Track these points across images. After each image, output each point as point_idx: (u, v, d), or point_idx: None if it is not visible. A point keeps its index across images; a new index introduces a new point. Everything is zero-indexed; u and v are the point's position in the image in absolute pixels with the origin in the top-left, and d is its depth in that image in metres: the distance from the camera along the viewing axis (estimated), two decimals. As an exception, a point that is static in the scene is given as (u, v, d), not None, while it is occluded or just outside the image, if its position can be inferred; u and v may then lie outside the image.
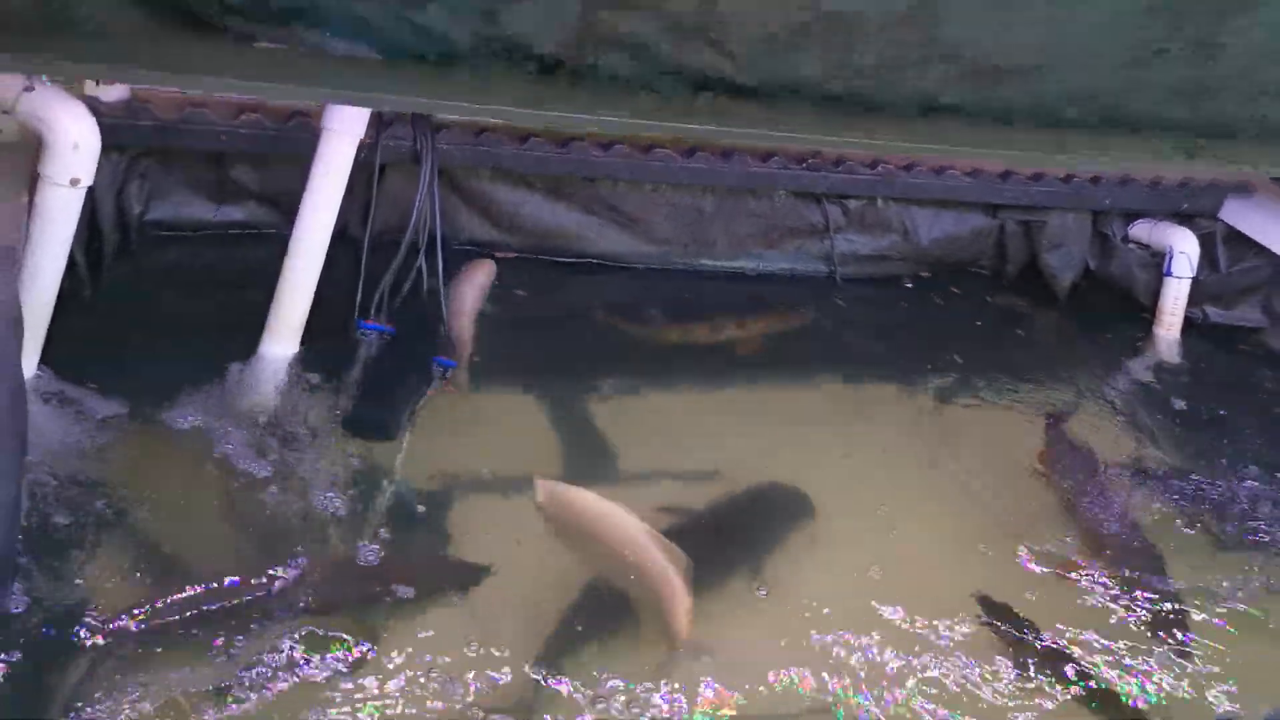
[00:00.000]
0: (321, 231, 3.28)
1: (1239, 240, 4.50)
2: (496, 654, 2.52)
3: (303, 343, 3.37)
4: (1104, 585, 3.06)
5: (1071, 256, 4.60)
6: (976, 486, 3.43)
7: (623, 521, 2.86)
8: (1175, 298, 4.45)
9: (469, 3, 2.17)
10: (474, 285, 3.88)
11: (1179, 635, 2.90)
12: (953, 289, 4.64)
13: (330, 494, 2.93)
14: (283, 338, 3.32)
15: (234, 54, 2.42)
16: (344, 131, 3.19)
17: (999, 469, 3.53)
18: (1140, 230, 4.57)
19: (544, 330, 3.95)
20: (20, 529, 2.47)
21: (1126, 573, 3.08)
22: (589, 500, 2.95)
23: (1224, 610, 3.05)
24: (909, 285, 4.61)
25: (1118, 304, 4.60)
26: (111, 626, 2.39)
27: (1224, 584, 3.14)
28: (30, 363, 2.83)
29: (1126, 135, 3.04)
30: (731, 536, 3.06)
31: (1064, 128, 3.00)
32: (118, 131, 3.23)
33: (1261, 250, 4.43)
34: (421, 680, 2.43)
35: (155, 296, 3.58)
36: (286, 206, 3.72)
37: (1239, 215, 4.48)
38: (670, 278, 4.35)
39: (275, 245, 3.58)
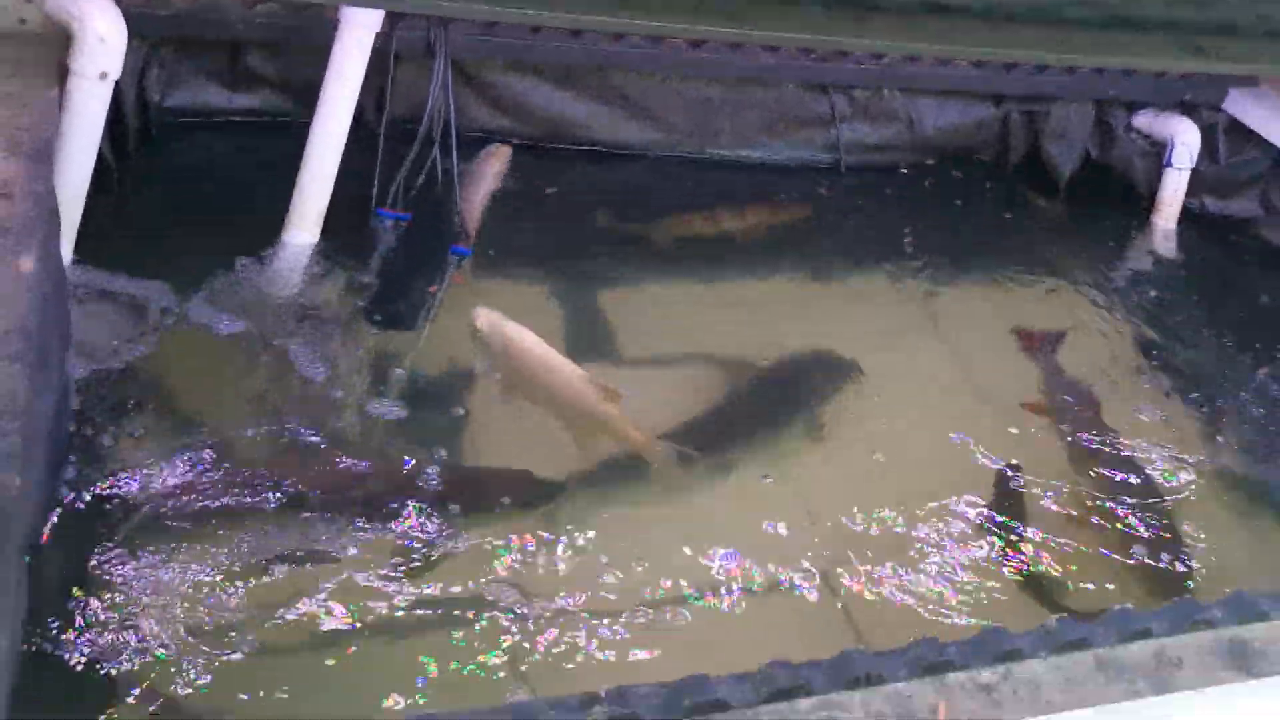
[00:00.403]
0: (340, 122, 3.35)
1: (1240, 132, 4.55)
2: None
3: (323, 231, 3.47)
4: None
5: (1073, 146, 4.66)
6: (972, 367, 3.58)
7: (559, 363, 3.07)
8: (1174, 189, 4.53)
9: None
10: (487, 173, 3.96)
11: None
12: (955, 175, 4.72)
13: (350, 380, 3.08)
14: (304, 226, 3.42)
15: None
16: (361, 23, 3.23)
17: (995, 351, 3.69)
18: (1143, 120, 4.62)
19: (551, 219, 4.03)
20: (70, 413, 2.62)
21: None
22: (529, 339, 3.11)
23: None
24: (912, 174, 4.68)
25: (1117, 194, 4.67)
26: (148, 507, 2.56)
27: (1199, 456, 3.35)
28: (65, 252, 2.93)
29: (1132, 34, 3.10)
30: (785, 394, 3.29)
31: (1069, 26, 3.06)
32: (138, 21, 3.26)
33: (1262, 142, 4.49)
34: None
35: (178, 185, 3.67)
36: (300, 94, 3.79)
37: (1242, 107, 4.52)
38: (677, 166, 4.43)
39: (291, 133, 3.68)
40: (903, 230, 4.30)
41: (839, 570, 2.79)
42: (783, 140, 4.51)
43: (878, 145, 4.60)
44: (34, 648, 2.13)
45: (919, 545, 2.89)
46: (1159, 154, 4.54)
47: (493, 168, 3.99)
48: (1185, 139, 4.46)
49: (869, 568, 2.80)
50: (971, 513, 3.01)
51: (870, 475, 3.09)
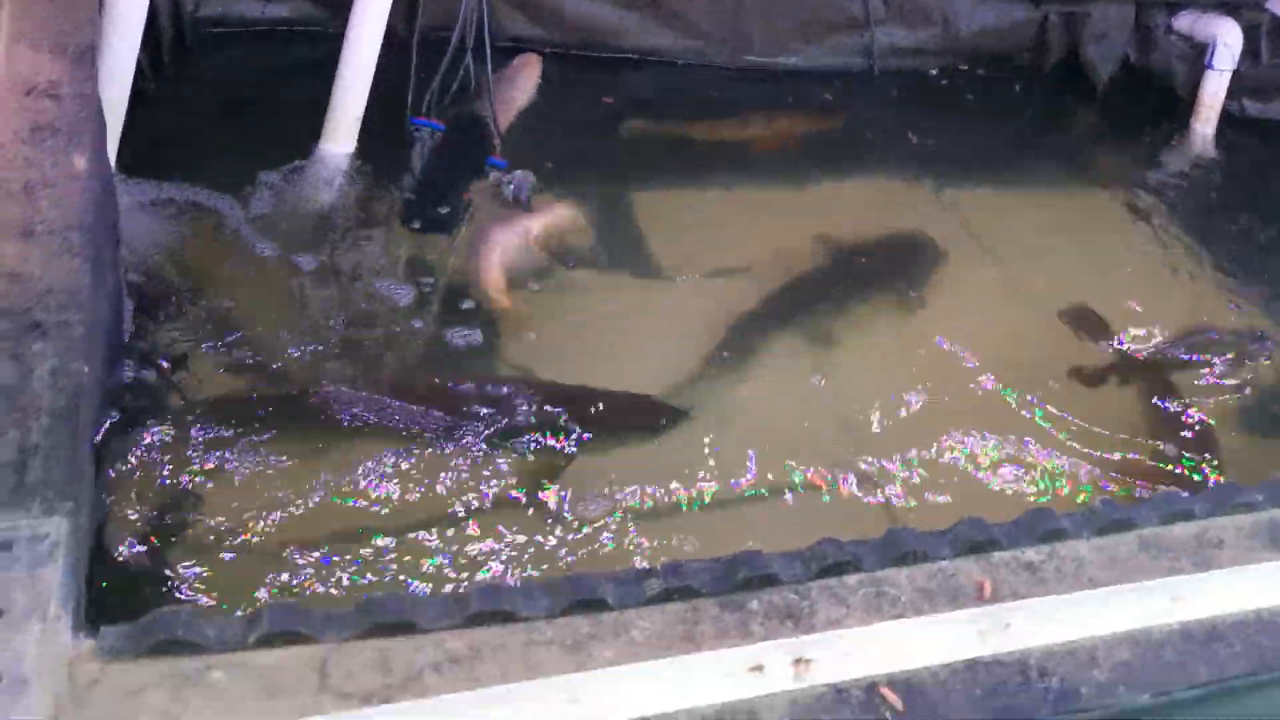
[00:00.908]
0: (373, 32, 3.34)
1: (1284, 31, 4.47)
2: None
3: (359, 140, 3.48)
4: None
5: (1113, 48, 4.59)
6: (1013, 274, 3.59)
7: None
8: (1214, 91, 4.46)
9: None
10: (519, 82, 3.94)
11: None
12: (990, 82, 4.66)
13: (389, 286, 3.11)
14: (340, 136, 3.44)
15: None
16: (394, -73, 3.21)
17: (1035, 259, 3.68)
18: (1184, 22, 4.53)
19: (584, 125, 4.02)
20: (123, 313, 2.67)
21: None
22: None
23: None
24: (947, 78, 4.63)
25: (1155, 98, 4.61)
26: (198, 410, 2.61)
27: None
28: (110, 159, 2.96)
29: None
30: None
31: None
32: (171, -73, 3.26)
33: (1306, 42, 4.42)
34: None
35: (213, 94, 3.68)
36: (331, 4, 3.78)
37: (1288, 6, 4.43)
38: (708, 73, 4.40)
39: (322, 42, 3.68)
40: (938, 137, 4.26)
41: (882, 467, 2.83)
42: (816, 45, 4.47)
43: (912, 49, 4.55)
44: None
45: (960, 445, 2.94)
46: (1199, 56, 4.47)
47: (525, 77, 3.97)
48: (1228, 39, 4.38)
49: (913, 473, 2.84)
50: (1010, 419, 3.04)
51: (912, 377, 3.11)
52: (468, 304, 3.10)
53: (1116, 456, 2.94)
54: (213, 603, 2.14)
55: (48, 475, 1.73)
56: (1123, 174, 4.25)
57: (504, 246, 3.28)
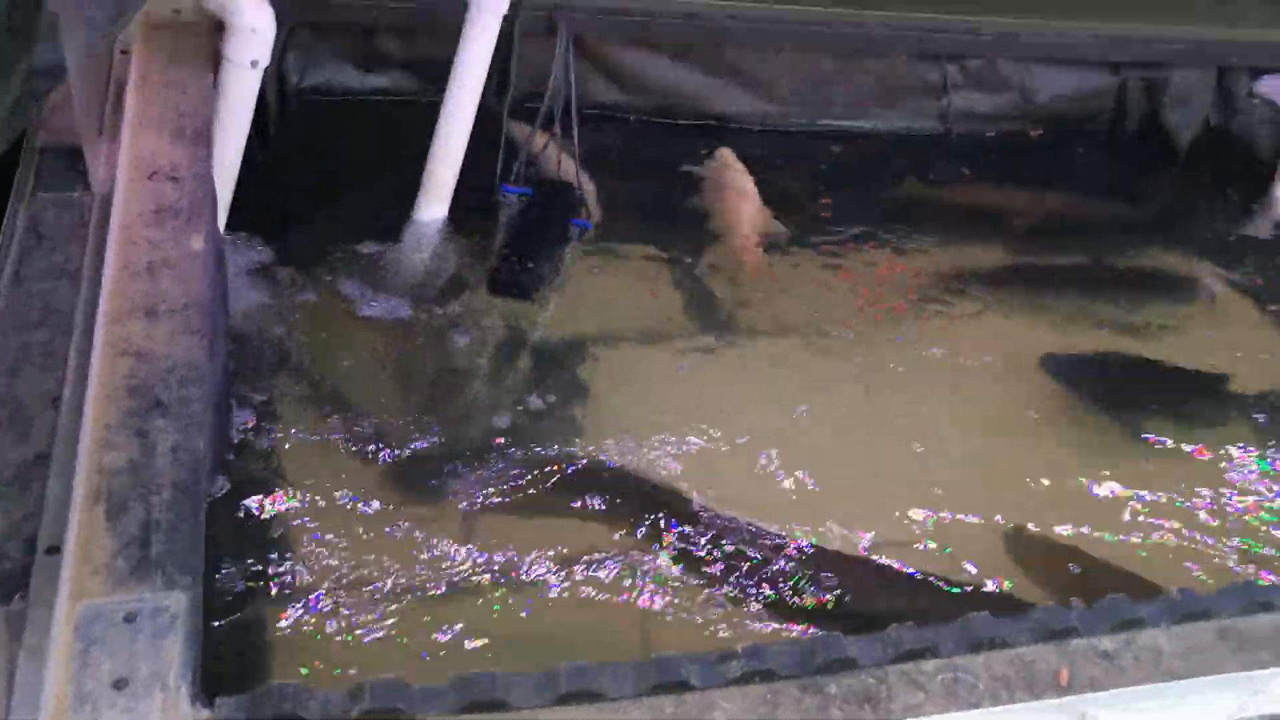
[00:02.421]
0: (469, 102, 3.48)
1: (1369, 96, 4.44)
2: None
3: (452, 206, 3.63)
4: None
5: (1193, 113, 4.59)
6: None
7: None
8: (1298, 156, 4.44)
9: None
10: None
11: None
12: (1072, 146, 4.69)
13: (478, 350, 3.23)
14: (434, 201, 3.58)
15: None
16: (489, 8, 3.35)
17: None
18: (1267, 86, 4.52)
19: (667, 189, 4.13)
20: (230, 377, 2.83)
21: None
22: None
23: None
24: (1026, 142, 4.66)
25: (1238, 162, 4.59)
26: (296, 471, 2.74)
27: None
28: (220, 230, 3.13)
29: (1253, 2, 3.06)
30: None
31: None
32: (279, 6, 3.43)
33: (1391, 108, 4.37)
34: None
35: (315, 161, 3.84)
36: (426, 73, 3.95)
37: (1372, 70, 4.40)
38: (788, 138, 4.48)
39: (418, 111, 3.84)
40: (1019, 200, 4.30)
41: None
42: (895, 109, 4.54)
43: (990, 114, 4.59)
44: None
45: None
46: (1283, 121, 4.46)
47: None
48: (1311, 105, 4.36)
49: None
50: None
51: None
52: (552, 369, 3.21)
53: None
54: (316, 675, 2.24)
55: (170, 549, 1.85)
56: (1205, 240, 4.23)
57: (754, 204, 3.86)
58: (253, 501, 2.57)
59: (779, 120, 4.45)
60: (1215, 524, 2.97)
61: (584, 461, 2.86)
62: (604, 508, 2.74)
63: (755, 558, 2.66)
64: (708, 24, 4.07)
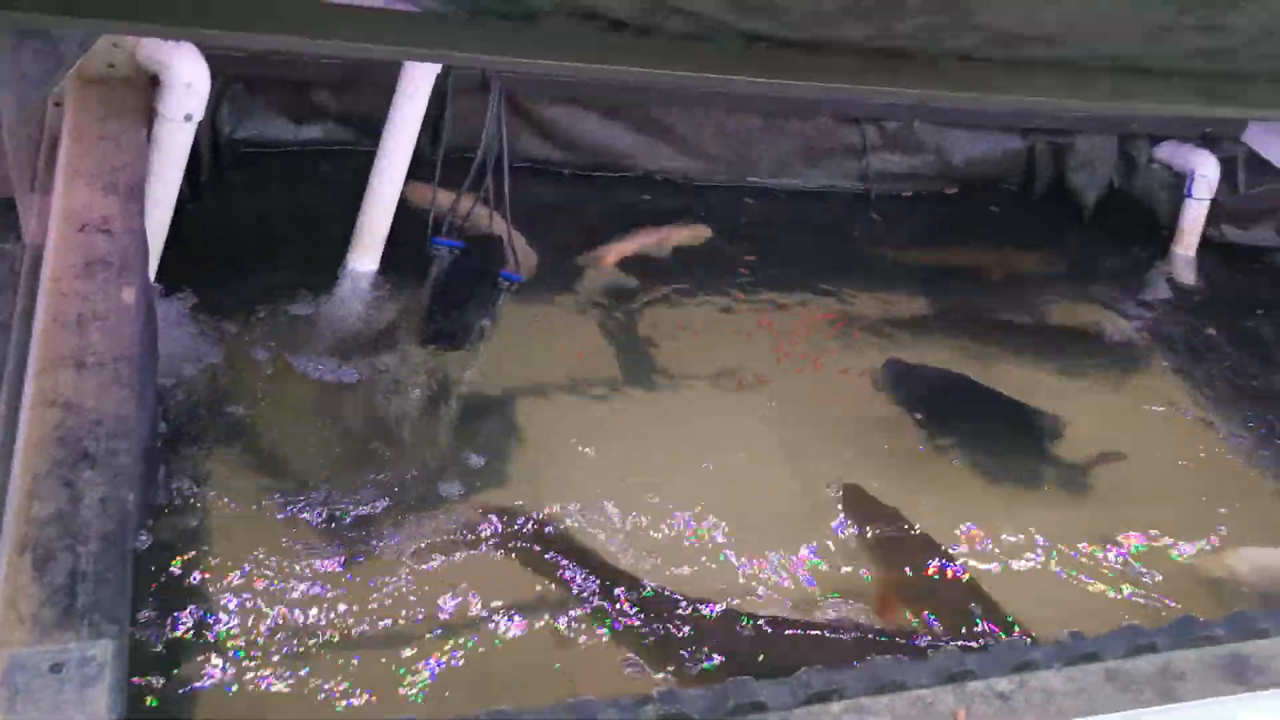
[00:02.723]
0: (403, 154, 3.57)
1: (1259, 164, 4.70)
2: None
3: (384, 258, 3.70)
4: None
5: (1097, 176, 4.84)
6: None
7: None
8: (1194, 218, 4.69)
9: (556, -22, 2.43)
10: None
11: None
12: (980, 202, 4.91)
13: (409, 402, 3.28)
14: (367, 253, 3.65)
15: (314, 12, 2.69)
16: (424, 65, 3.45)
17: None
18: (1164, 152, 4.79)
19: (596, 243, 4.24)
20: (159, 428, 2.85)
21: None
22: None
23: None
24: (940, 201, 4.87)
25: (1140, 222, 4.84)
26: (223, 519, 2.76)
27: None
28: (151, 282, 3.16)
29: (1147, 82, 3.28)
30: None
31: (1090, 72, 3.25)
32: (215, 62, 3.49)
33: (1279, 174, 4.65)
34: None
35: (247, 212, 3.89)
36: (361, 124, 4.03)
37: (1261, 140, 4.68)
38: (715, 193, 4.63)
39: (351, 163, 3.92)
40: (930, 254, 4.49)
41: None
42: (817, 169, 4.71)
43: (907, 174, 4.80)
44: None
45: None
46: (1180, 184, 4.71)
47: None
48: (1205, 171, 4.62)
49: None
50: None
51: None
52: (483, 421, 3.28)
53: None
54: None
55: (96, 599, 1.89)
56: (1107, 294, 4.45)
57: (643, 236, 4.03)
58: (180, 555, 2.59)
59: (705, 177, 4.60)
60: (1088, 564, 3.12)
61: (512, 514, 2.92)
62: (530, 560, 2.80)
63: (676, 609, 2.74)
64: (635, 85, 4.20)
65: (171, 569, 2.53)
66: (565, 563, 2.80)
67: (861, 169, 4.73)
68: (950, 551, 3.05)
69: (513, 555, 2.82)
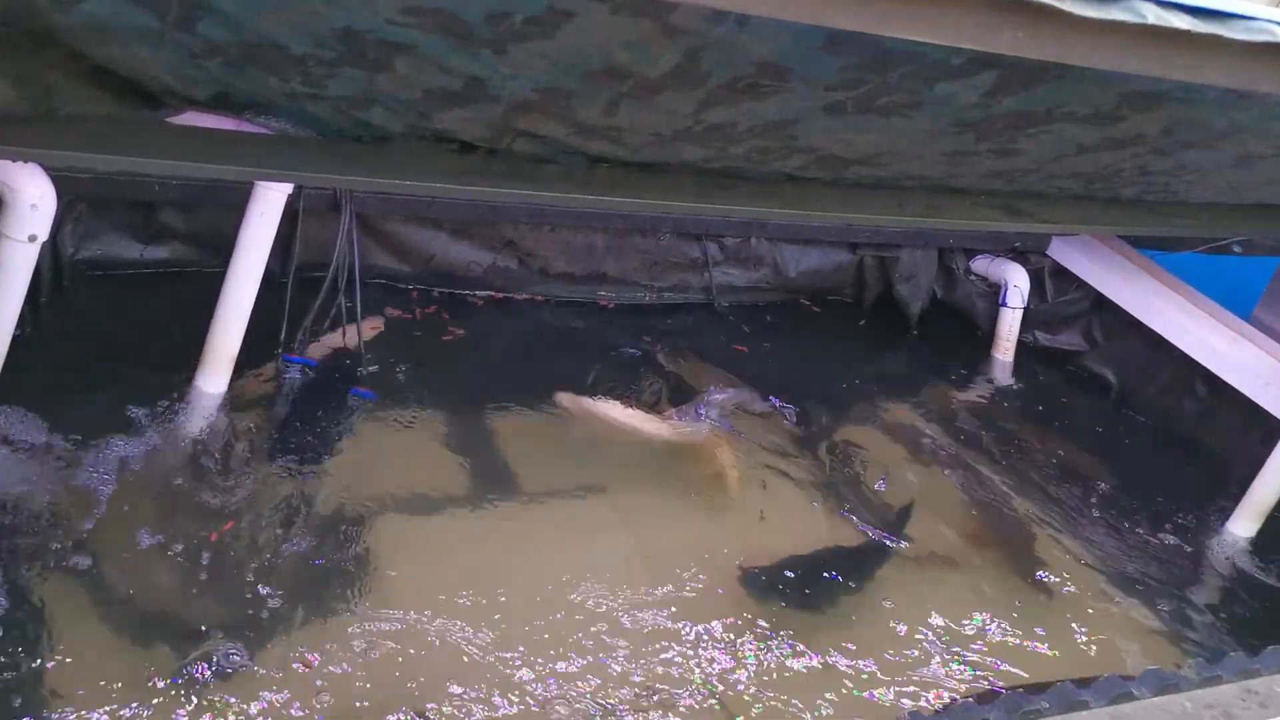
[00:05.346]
0: (254, 273, 3.57)
1: (1064, 275, 5.14)
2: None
3: (233, 377, 3.68)
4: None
5: (920, 287, 5.19)
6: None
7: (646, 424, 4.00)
8: (1009, 325, 5.08)
9: (408, 106, 2.57)
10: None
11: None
12: (816, 312, 5.21)
13: (262, 519, 3.25)
14: (216, 372, 3.62)
15: (179, 136, 2.75)
16: (275, 187, 3.50)
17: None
18: (980, 265, 5.19)
19: (448, 357, 4.31)
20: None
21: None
22: (613, 408, 4.05)
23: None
24: (778, 311, 5.14)
25: (960, 329, 5.21)
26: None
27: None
28: (-14, 403, 3.08)
29: (955, 199, 3.60)
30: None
31: (904, 192, 3.55)
32: (60, 182, 3.47)
33: (1082, 284, 5.07)
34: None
35: (89, 335, 3.81)
36: (209, 245, 4.03)
37: (1064, 253, 5.12)
38: (565, 307, 4.79)
39: (198, 282, 3.91)
40: (769, 362, 4.72)
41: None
42: (662, 282, 4.93)
43: (747, 286, 5.06)
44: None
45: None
46: (995, 294, 5.10)
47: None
48: (1016, 281, 5.02)
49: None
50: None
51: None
52: (334, 539, 3.26)
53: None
54: None
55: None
56: (931, 395, 4.75)
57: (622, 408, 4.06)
58: (15, 691, 2.50)
59: (555, 292, 4.75)
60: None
61: (366, 633, 2.92)
62: (385, 678, 2.79)
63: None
64: (481, 203, 4.34)
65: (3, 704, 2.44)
66: (418, 677, 2.80)
67: (705, 281, 4.96)
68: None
69: (363, 672, 2.80)
